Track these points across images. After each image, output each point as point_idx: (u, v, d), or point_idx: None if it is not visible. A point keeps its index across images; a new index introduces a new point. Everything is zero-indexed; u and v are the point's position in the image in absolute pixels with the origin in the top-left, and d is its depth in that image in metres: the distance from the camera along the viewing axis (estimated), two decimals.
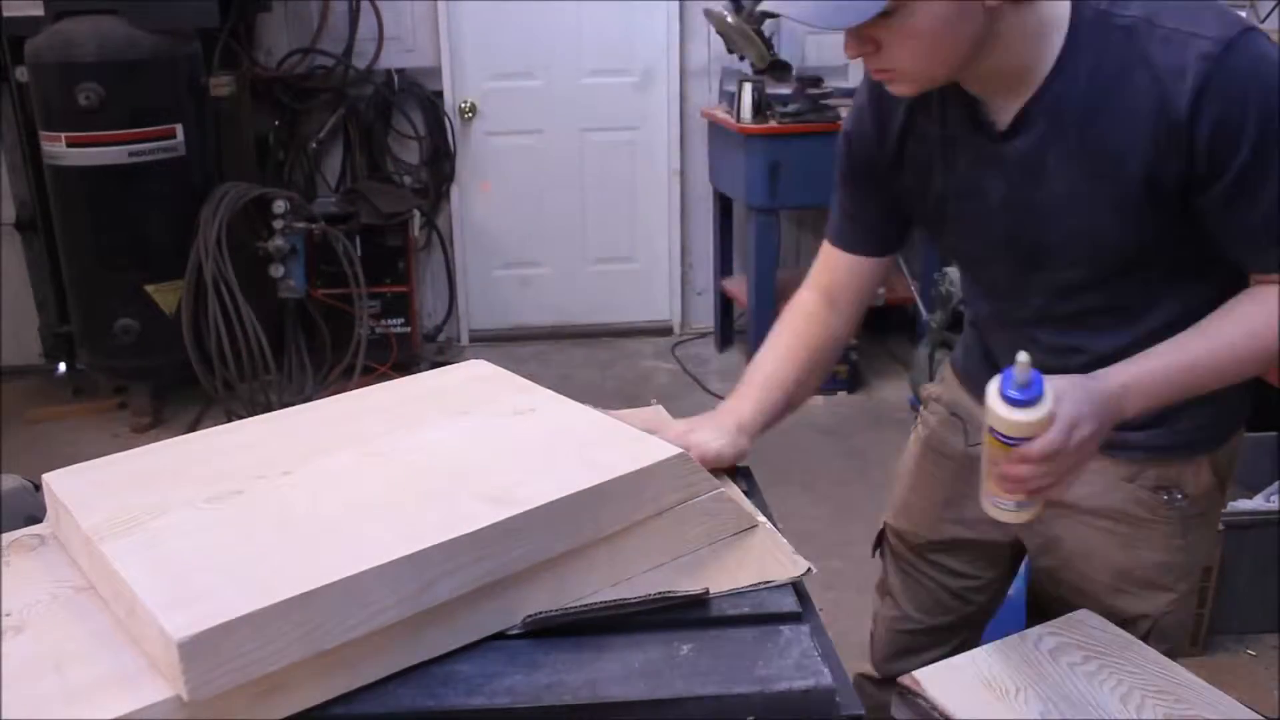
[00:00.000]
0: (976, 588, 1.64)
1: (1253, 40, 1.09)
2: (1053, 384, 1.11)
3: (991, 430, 1.19)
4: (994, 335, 1.47)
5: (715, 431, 1.32)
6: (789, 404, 1.42)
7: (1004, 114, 1.22)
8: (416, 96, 4.77)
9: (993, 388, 1.17)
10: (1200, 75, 1.08)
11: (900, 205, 1.41)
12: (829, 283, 1.49)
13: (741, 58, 4.10)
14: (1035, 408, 1.15)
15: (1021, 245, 1.29)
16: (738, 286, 4.65)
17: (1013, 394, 1.14)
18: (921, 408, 1.66)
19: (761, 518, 1.17)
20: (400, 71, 4.71)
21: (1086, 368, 1.20)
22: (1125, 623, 1.41)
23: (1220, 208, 1.16)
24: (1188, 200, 1.17)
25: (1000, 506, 1.28)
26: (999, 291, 1.41)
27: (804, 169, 4.00)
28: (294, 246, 4.17)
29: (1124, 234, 1.21)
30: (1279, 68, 1.10)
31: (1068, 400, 1.12)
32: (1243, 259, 1.21)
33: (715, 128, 4.56)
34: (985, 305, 1.47)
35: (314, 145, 4.71)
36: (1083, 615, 1.53)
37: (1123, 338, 1.27)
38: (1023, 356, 1.10)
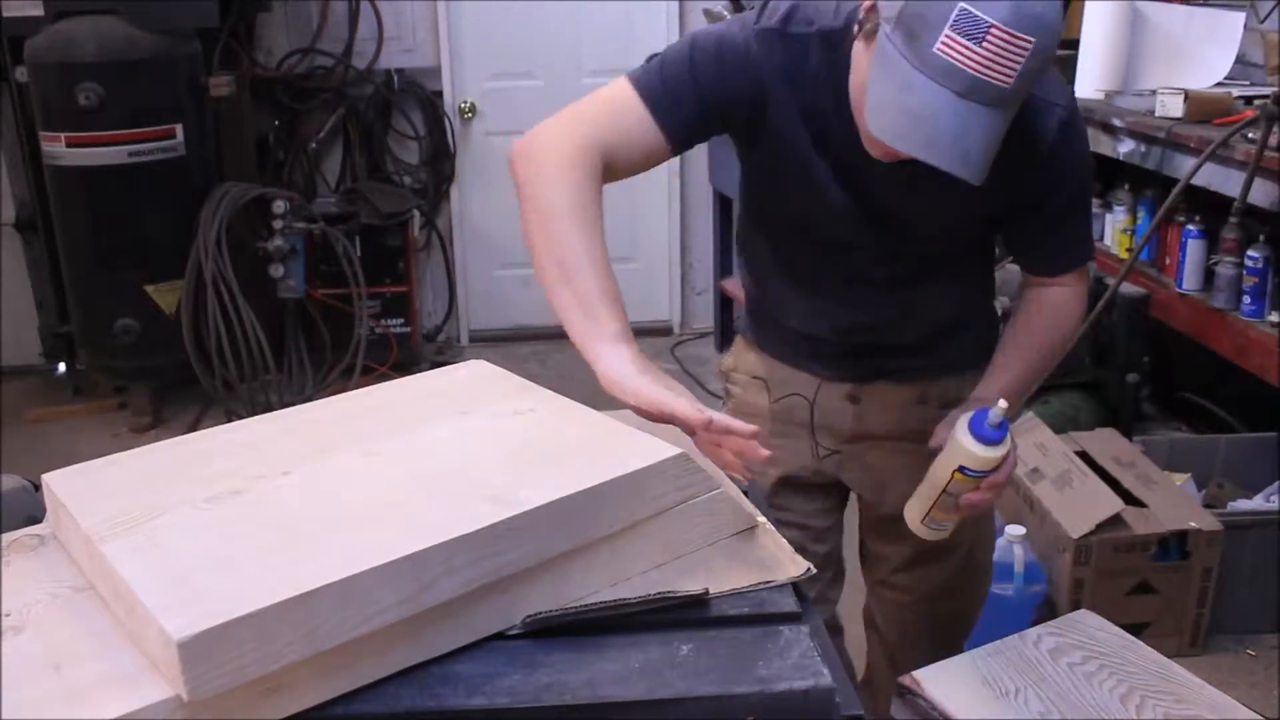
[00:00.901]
0: (820, 530, 1.74)
1: (1076, 110, 1.44)
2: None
3: (961, 468, 1.37)
4: (791, 305, 1.65)
5: (668, 386, 1.25)
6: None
7: None
8: (416, 96, 4.77)
9: (964, 432, 1.36)
10: (1057, 135, 1.40)
11: (705, 135, 1.52)
12: (615, 144, 1.45)
13: None
14: (1004, 444, 1.36)
15: (875, 244, 1.50)
16: (738, 286, 4.63)
17: (990, 434, 1.35)
18: (724, 382, 1.83)
19: (761, 518, 1.17)
20: (400, 71, 4.71)
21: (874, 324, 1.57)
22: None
23: (1037, 228, 1.50)
24: (1012, 220, 1.49)
25: (939, 528, 1.48)
26: (816, 266, 1.59)
27: None
28: (294, 246, 4.17)
29: (951, 240, 1.52)
30: (1084, 132, 1.50)
31: None
32: (1039, 265, 1.55)
33: None
34: (785, 280, 1.64)
35: (314, 145, 4.71)
36: (1082, 615, 1.53)
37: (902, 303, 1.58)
38: (1002, 403, 1.34)
